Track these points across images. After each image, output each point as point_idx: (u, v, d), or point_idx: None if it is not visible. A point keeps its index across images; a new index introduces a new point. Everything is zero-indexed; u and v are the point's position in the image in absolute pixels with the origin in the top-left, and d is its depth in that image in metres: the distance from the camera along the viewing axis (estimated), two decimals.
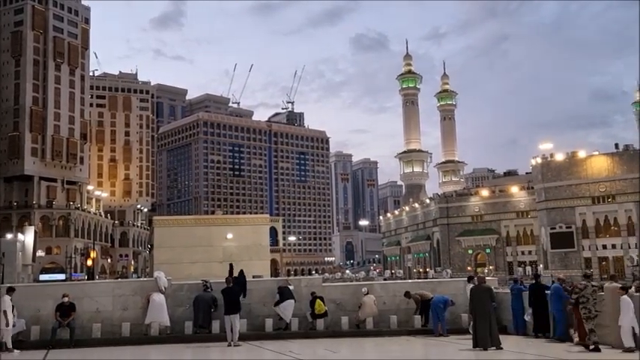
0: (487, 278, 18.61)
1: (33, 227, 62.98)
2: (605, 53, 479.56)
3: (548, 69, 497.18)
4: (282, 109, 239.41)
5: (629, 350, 12.97)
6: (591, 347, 13.51)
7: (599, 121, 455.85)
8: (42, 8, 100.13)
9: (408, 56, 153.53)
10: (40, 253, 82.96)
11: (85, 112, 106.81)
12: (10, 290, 15.34)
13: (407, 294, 18.07)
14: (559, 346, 14.61)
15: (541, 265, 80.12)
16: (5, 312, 14.58)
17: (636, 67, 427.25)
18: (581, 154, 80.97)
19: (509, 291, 17.81)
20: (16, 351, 14.83)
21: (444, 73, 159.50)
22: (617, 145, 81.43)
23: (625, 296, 13.21)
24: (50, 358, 14.29)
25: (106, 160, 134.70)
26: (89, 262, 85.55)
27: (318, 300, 17.46)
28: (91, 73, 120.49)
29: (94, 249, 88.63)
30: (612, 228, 77.41)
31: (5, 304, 14.67)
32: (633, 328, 13.06)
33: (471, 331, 14.98)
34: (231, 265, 17.95)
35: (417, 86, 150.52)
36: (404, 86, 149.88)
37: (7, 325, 14.48)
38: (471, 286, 16.37)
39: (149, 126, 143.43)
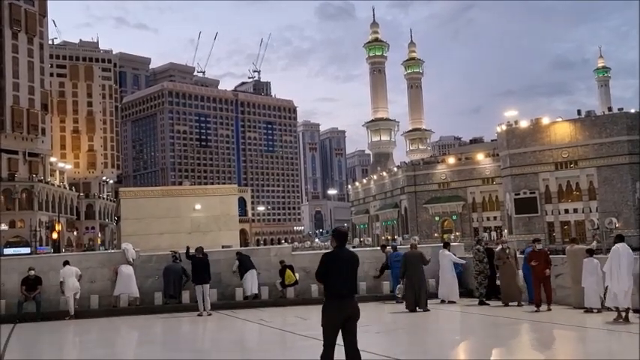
0: (453, 244, 19.12)
1: None
2: (568, 20, 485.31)
3: (513, 37, 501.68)
4: (249, 78, 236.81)
5: (590, 310, 13.42)
6: (479, 302, 15.65)
7: (561, 89, 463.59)
8: None
9: (374, 24, 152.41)
10: (3, 226, 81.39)
11: (45, 82, 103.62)
12: (67, 262, 16.37)
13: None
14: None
15: (505, 231, 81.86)
16: (62, 283, 15.88)
17: (598, 34, 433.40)
18: (545, 120, 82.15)
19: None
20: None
21: (411, 41, 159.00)
22: (579, 112, 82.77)
23: (591, 258, 13.55)
24: (17, 333, 14.13)
25: (69, 132, 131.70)
26: (55, 236, 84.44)
27: (288, 270, 17.56)
28: (50, 42, 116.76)
29: (59, 222, 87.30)
30: (574, 193, 79.27)
31: (64, 275, 15.92)
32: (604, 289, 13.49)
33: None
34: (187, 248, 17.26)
35: (384, 54, 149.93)
36: (371, 54, 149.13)
37: (63, 293, 15.97)
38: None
39: (112, 96, 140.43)
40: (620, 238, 12.81)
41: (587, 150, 77.70)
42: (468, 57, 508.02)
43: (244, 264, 17.46)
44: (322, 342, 7.01)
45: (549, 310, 14.04)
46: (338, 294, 7.00)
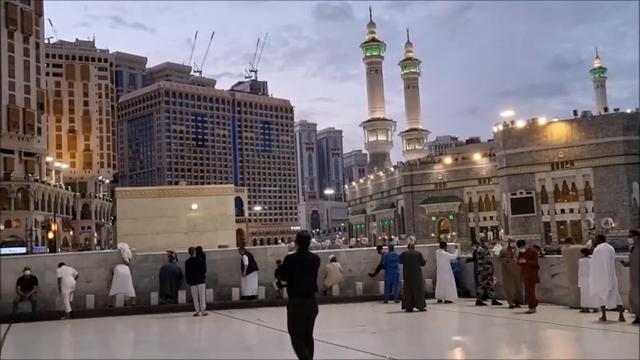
0: (450, 244, 19.10)
1: None
2: (565, 20, 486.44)
3: (510, 37, 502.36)
4: (246, 77, 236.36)
5: (586, 310, 13.44)
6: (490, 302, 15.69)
7: (558, 89, 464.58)
8: None
9: (371, 24, 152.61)
10: None
11: (41, 82, 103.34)
12: (62, 264, 16.46)
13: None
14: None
15: (502, 231, 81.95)
16: (60, 279, 16.00)
17: (596, 35, 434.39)
18: (541, 121, 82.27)
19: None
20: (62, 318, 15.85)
21: (408, 41, 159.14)
22: (575, 112, 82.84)
23: (587, 258, 13.57)
24: (12, 332, 14.08)
25: (65, 131, 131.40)
26: (50, 235, 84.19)
27: None
28: (46, 41, 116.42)
29: (55, 221, 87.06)
30: (570, 193, 79.42)
31: (61, 273, 16.09)
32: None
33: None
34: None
35: (381, 54, 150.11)
36: (368, 54, 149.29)
37: (60, 290, 16.06)
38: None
39: (108, 95, 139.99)
40: (601, 239, 12.90)
41: (583, 150, 77.86)
42: (466, 57, 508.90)
43: (250, 263, 17.45)
44: (291, 335, 7.73)
45: (533, 312, 13.96)
46: (301, 293, 7.80)
